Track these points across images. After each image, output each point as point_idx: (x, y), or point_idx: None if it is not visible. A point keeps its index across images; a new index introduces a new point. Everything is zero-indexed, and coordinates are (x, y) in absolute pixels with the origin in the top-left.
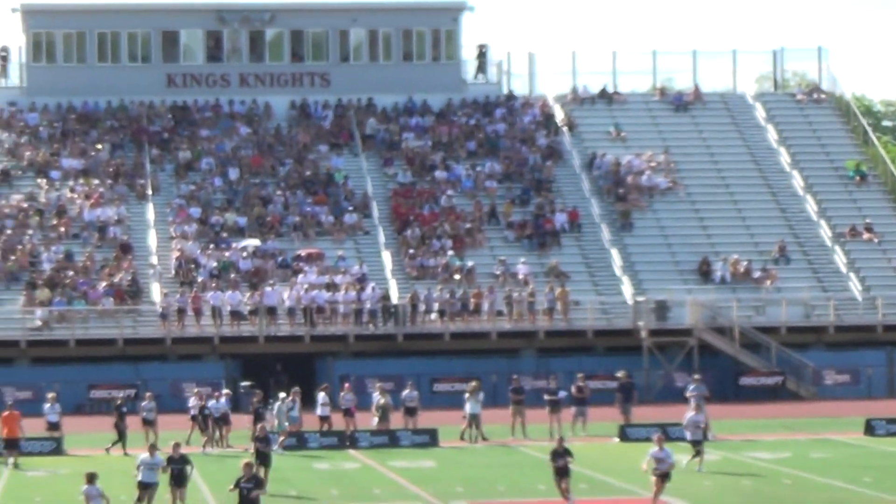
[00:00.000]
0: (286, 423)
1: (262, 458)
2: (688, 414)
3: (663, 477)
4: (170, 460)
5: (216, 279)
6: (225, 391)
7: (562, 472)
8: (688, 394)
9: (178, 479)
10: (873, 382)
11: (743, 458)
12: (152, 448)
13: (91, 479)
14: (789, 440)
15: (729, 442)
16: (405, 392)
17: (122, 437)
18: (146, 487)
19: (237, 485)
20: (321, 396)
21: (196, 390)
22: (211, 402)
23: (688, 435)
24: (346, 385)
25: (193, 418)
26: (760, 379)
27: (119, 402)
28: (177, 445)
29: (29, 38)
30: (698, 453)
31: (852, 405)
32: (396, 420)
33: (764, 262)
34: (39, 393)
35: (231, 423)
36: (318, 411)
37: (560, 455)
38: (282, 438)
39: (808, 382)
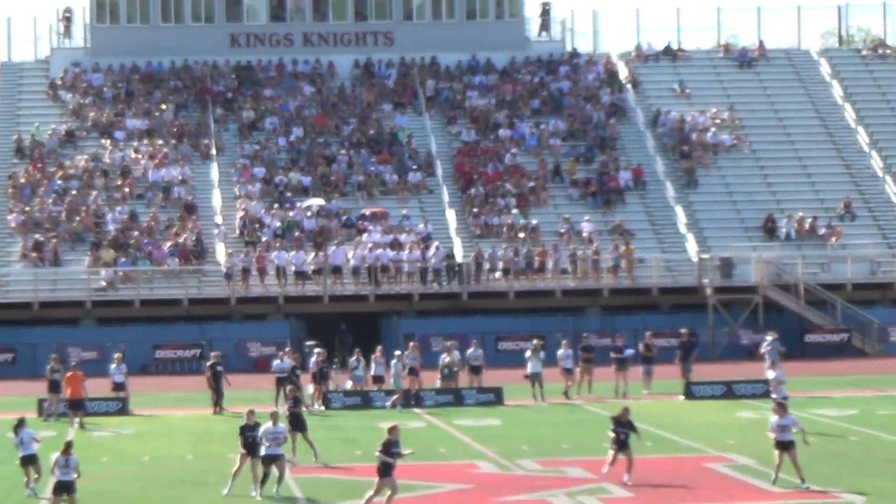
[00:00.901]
0: (401, 382)
1: (296, 422)
2: (771, 373)
3: (786, 447)
4: (245, 428)
5: (280, 239)
6: (317, 350)
7: (622, 446)
8: (762, 350)
9: (252, 449)
10: None
11: (809, 416)
12: (274, 416)
13: (67, 448)
14: (855, 397)
15: (795, 399)
16: (470, 350)
17: (219, 395)
18: (272, 460)
19: (388, 450)
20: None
21: (286, 349)
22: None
23: (773, 394)
24: (412, 344)
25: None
26: (826, 336)
27: (213, 360)
28: (251, 413)
29: None
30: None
31: None
32: (461, 379)
33: (829, 218)
34: (104, 353)
35: (329, 380)
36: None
37: (622, 426)
38: (395, 397)
39: (874, 339)
